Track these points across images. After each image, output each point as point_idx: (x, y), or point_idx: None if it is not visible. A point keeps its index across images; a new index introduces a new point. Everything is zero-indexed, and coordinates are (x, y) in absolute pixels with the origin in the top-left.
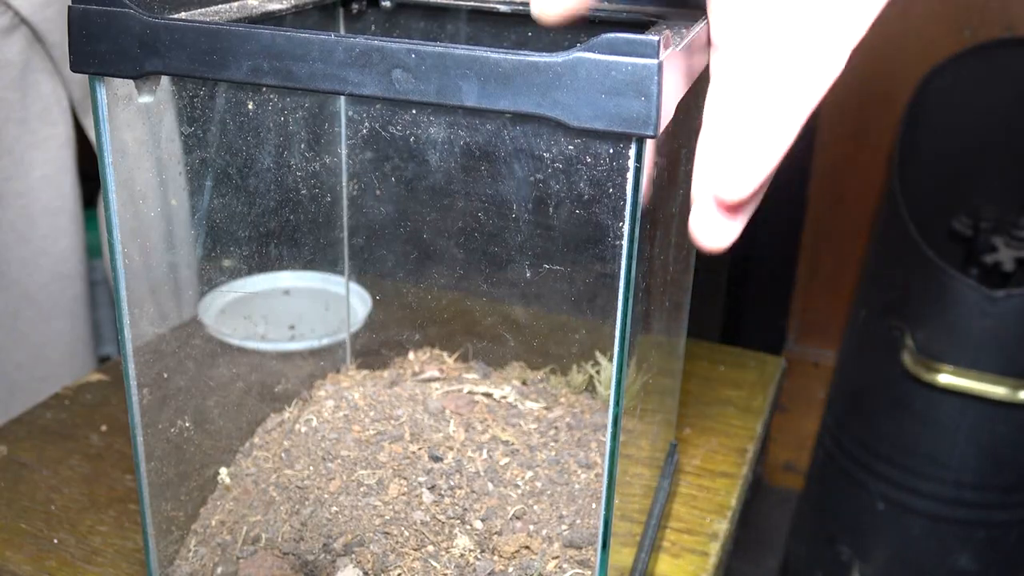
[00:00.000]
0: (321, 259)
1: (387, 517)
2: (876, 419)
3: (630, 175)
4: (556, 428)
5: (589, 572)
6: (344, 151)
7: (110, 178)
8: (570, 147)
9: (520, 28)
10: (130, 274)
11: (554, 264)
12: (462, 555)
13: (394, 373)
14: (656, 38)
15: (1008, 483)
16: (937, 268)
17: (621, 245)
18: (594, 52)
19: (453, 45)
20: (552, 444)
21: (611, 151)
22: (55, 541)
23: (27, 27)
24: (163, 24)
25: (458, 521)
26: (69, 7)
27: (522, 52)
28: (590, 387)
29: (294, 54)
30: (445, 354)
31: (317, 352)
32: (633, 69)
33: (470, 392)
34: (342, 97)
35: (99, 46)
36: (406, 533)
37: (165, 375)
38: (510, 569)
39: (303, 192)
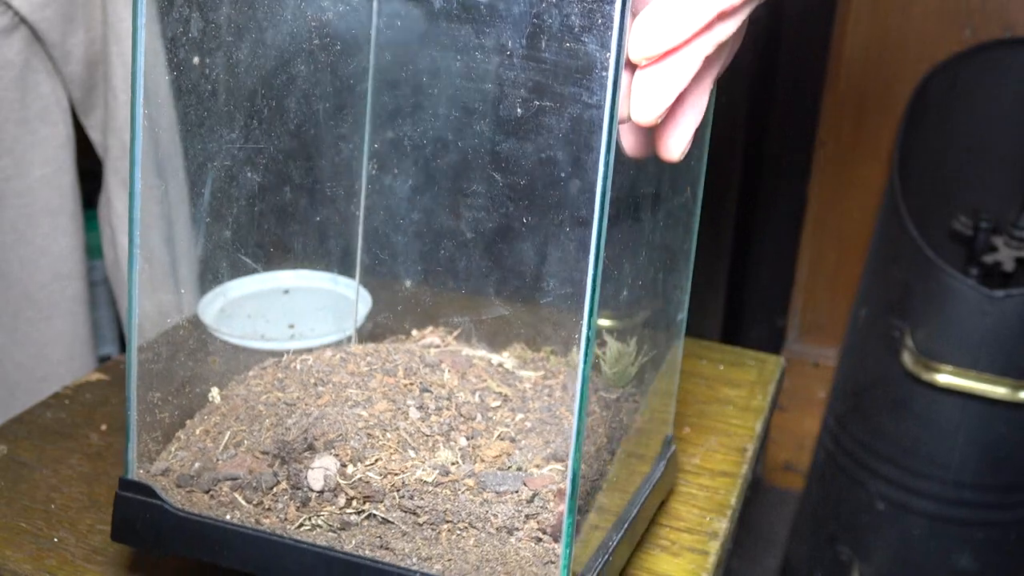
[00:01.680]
0: (323, 257)
1: (371, 423)
2: (876, 419)
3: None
4: (551, 388)
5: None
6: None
7: (139, 68)
8: None
9: None
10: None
11: (544, 100)
12: (443, 464)
13: (393, 341)
14: None
15: (1008, 483)
16: (937, 268)
17: (607, 76)
18: None
19: None
20: (546, 398)
21: None
22: (55, 540)
23: (27, 27)
24: None
25: (443, 438)
26: None
27: None
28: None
29: None
30: (443, 329)
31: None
32: None
33: (468, 355)
34: (369, 90)
35: None
36: (388, 435)
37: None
38: (491, 470)
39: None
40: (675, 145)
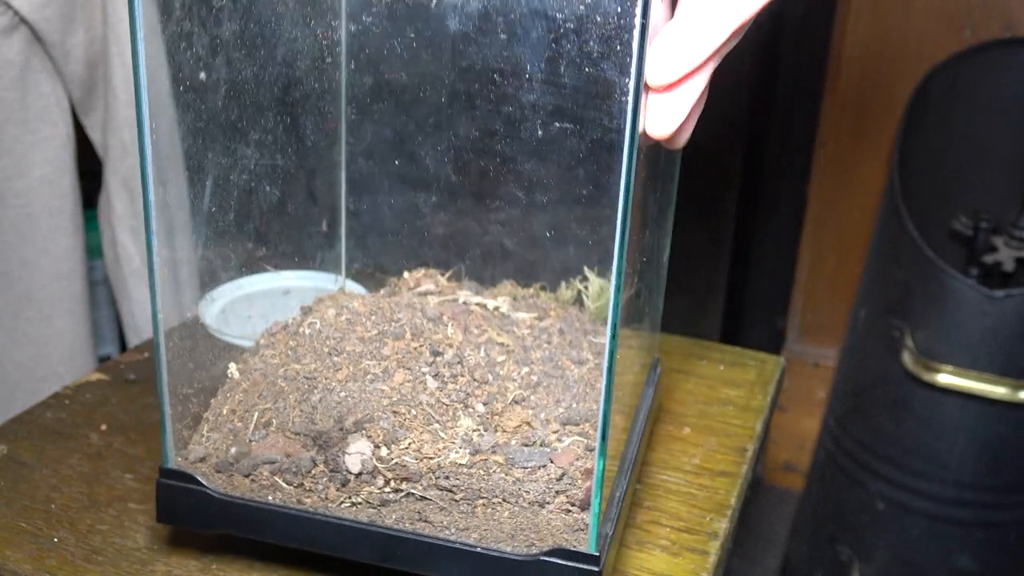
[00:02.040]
0: (323, 258)
1: (394, 399)
2: (876, 419)
3: (637, 31)
4: (548, 333)
5: (586, 440)
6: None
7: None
8: (580, 7)
9: None
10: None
11: (564, 121)
12: (466, 434)
13: (390, 290)
14: None
15: (1008, 483)
16: (937, 268)
17: (627, 100)
18: None
19: None
20: (546, 346)
21: (619, 9)
22: (55, 540)
23: (27, 27)
24: None
25: (461, 405)
26: None
27: None
28: (578, 302)
29: None
30: (437, 272)
31: None
32: None
33: (465, 302)
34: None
35: None
36: (413, 412)
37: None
38: (512, 442)
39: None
40: (679, 139)
